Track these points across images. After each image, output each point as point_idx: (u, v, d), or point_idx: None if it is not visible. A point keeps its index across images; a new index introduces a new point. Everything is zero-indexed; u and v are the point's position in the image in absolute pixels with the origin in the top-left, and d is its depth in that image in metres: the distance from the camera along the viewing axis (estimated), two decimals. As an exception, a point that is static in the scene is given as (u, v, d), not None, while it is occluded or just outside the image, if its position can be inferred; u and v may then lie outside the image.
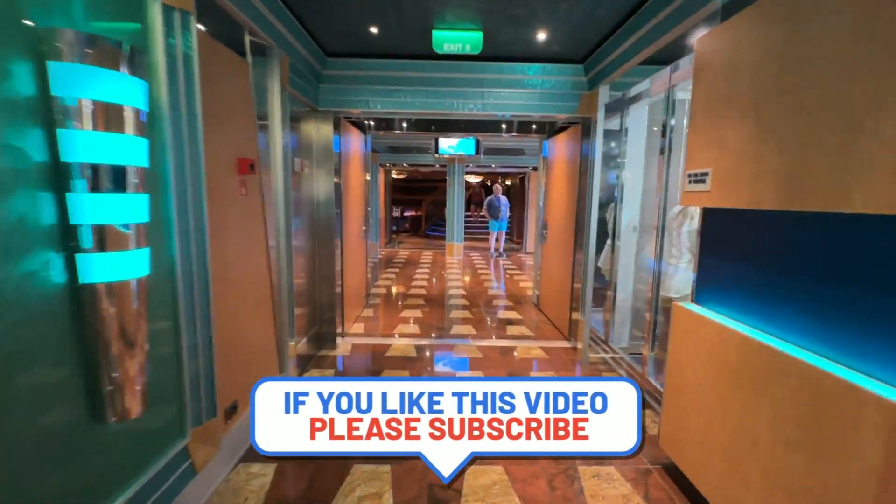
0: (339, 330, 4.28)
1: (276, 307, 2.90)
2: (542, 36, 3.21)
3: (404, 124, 5.73)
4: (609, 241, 4.05)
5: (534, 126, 5.78)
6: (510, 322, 5.01)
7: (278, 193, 2.91)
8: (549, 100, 3.81)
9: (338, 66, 3.73)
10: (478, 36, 3.09)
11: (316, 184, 3.92)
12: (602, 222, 3.92)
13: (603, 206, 3.90)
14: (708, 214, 2.10)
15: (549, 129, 5.41)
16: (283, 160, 2.96)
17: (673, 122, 2.95)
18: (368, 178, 5.70)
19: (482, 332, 4.62)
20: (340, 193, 4.15)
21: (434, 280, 7.49)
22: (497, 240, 10.54)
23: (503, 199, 10.32)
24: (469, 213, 13.44)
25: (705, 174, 1.91)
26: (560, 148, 4.93)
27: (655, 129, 3.59)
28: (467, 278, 7.72)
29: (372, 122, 5.65)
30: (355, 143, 4.90)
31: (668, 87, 2.86)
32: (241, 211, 2.40)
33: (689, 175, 2.02)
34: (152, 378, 1.56)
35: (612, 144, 3.90)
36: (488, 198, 10.42)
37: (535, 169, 11.27)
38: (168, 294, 1.74)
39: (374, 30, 3.16)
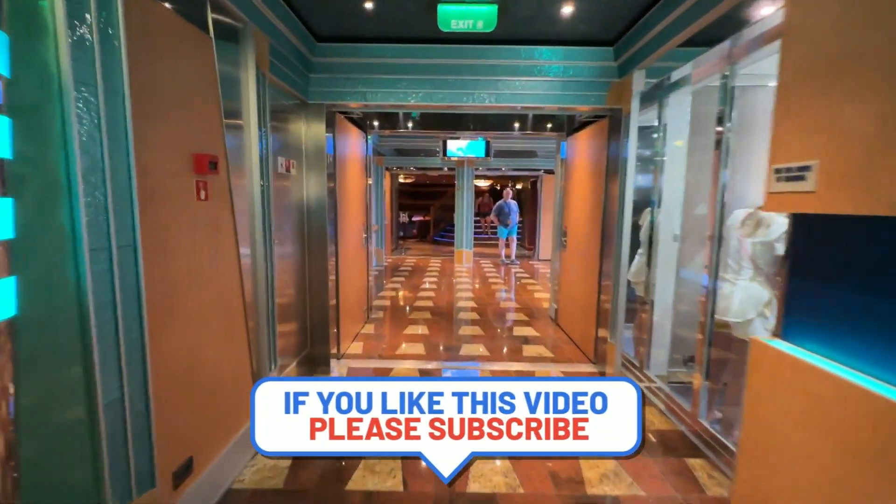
0: (334, 350, 3.81)
1: (251, 330, 2.44)
2: (567, 10, 2.72)
3: (410, 124, 5.28)
4: (641, 251, 3.53)
5: (549, 125, 5.30)
6: (526, 340, 4.50)
7: (254, 198, 2.45)
8: (572, 89, 3.31)
9: (330, 53, 3.28)
10: (491, 10, 2.62)
11: (307, 188, 3.46)
12: (633, 230, 3.41)
13: (634, 212, 3.39)
14: (800, 222, 1.58)
15: (569, 127, 4.92)
16: (261, 159, 2.51)
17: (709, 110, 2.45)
18: (370, 182, 5.24)
19: (495, 353, 4.12)
20: (336, 199, 3.69)
21: (442, 289, 7.00)
22: (507, 246, 10.03)
23: (513, 204, 9.81)
24: (478, 222, 12.76)
25: (806, 169, 1.40)
26: (582, 146, 4.43)
27: (692, 121, 3.07)
28: (478, 287, 7.22)
29: (376, 123, 5.21)
30: (354, 143, 4.45)
31: (727, 66, 2.35)
32: (200, 218, 1.94)
33: (779, 171, 1.51)
34: (34, 454, 1.10)
35: (639, 141, 3.39)
36: (498, 203, 9.91)
37: (547, 172, 10.77)
38: (71, 334, 1.27)
39: (368, 5, 2.70)
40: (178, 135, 1.79)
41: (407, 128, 5.08)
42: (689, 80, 2.89)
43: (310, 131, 3.41)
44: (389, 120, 4.91)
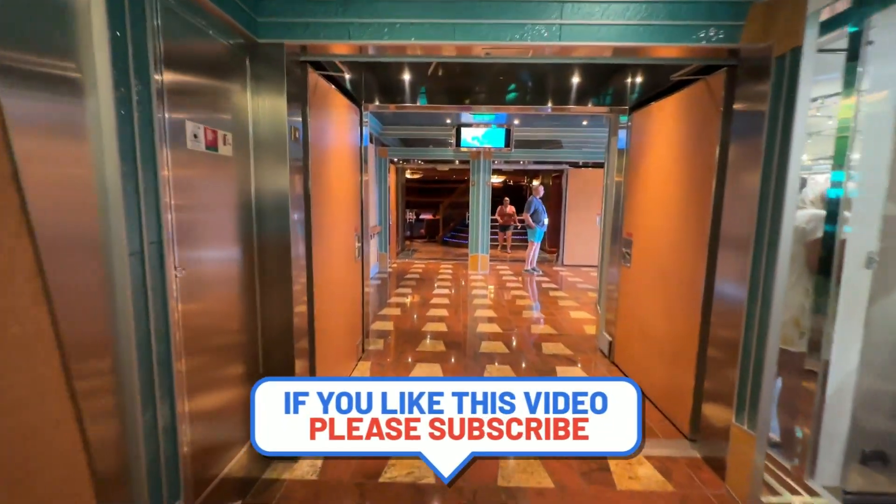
0: (307, 418, 2.58)
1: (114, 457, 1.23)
2: None
3: (420, 95, 4.02)
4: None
5: (589, 104, 4.03)
6: (578, 392, 3.25)
7: (108, 192, 1.23)
8: (684, 16, 2.04)
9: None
10: None
11: (257, 176, 2.23)
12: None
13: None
14: None
15: (631, 99, 3.65)
16: (127, 124, 1.29)
17: None
18: (367, 178, 4.00)
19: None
20: (308, 195, 2.47)
21: (457, 305, 5.75)
22: (531, 250, 8.75)
23: (541, 202, 8.55)
24: (494, 234, 11.17)
25: None
26: (663, 122, 3.15)
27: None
28: (499, 302, 5.96)
29: (377, 102, 3.97)
30: (341, 118, 3.22)
31: None
32: None
33: None
34: None
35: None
36: (530, 199, 8.59)
37: (572, 165, 9.48)
38: None
39: None
40: None
41: (415, 99, 3.83)
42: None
43: (261, 90, 2.18)
44: (388, 85, 3.66)
